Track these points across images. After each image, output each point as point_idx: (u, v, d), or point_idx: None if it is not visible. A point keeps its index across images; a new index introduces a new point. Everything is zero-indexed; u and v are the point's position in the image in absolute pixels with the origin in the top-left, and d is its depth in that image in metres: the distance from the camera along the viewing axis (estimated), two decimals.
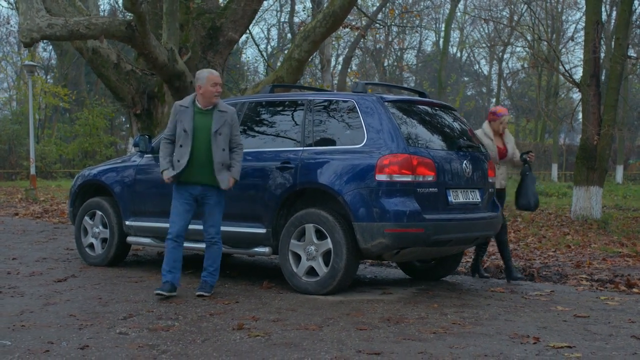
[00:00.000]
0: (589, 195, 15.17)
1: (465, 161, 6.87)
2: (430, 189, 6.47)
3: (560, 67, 21.37)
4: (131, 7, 10.87)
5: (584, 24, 16.99)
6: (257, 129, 7.40)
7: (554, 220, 15.28)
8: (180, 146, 6.38)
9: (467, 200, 6.87)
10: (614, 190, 30.00)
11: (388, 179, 6.28)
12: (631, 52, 41.65)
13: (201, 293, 6.42)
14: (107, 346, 4.68)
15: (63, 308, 5.86)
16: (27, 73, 20.56)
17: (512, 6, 41.71)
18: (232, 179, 6.51)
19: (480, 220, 7.01)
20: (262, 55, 22.07)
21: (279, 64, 42.38)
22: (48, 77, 41.72)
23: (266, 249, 6.92)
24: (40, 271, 7.73)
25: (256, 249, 7.00)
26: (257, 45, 21.97)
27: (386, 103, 6.66)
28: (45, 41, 40.80)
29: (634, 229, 13.77)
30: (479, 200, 7.03)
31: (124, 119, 45.14)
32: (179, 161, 6.38)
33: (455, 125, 7.43)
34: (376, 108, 6.58)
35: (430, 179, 6.46)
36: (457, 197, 6.73)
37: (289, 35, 45.85)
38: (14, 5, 23.84)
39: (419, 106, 7.19)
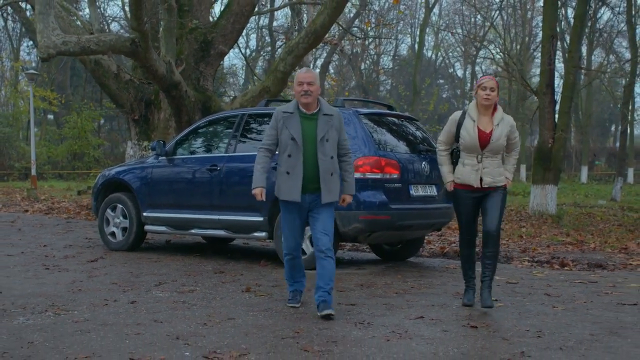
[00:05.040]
0: (544, 193, 16.81)
1: (424, 162, 8.49)
2: (395, 184, 8.08)
3: (524, 75, 23.17)
4: (137, 27, 12.39)
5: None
6: (255, 136, 8.94)
7: (513, 216, 16.91)
8: (289, 156, 5.81)
9: (426, 193, 8.49)
10: (578, 189, 31.77)
11: (362, 176, 7.86)
12: (599, 55, 43.64)
13: (328, 312, 5.64)
14: (150, 302, 6.23)
15: (104, 279, 7.40)
16: (28, 80, 21.95)
17: (485, 11, 43.38)
18: (347, 196, 6.09)
19: (436, 210, 8.65)
20: (249, 66, 23.49)
21: (257, 68, 43.82)
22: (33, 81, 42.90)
23: (263, 234, 8.49)
24: (72, 254, 9.25)
25: (255, 234, 8.56)
26: (245, 58, 23.46)
27: (360, 116, 8.27)
28: (35, 48, 42.14)
29: (584, 223, 15.46)
30: (436, 193, 8.66)
31: (103, 121, 46.44)
32: (288, 173, 5.80)
33: (417, 133, 9.05)
34: (352, 120, 8.17)
35: (395, 176, 8.08)
36: (417, 191, 8.35)
37: (267, 39, 47.39)
38: (22, 23, 25.20)
39: (388, 118, 8.84)
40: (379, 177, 7.92)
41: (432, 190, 8.59)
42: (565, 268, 9.12)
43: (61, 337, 4.89)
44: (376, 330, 5.22)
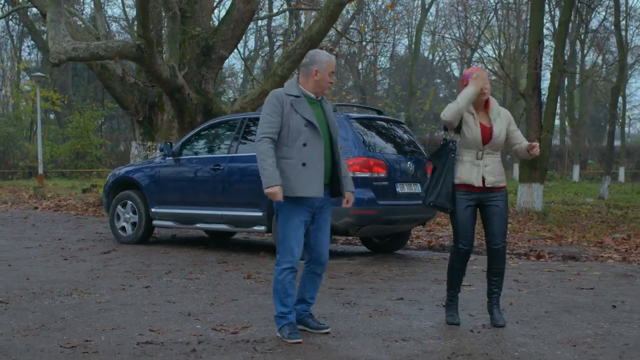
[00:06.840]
0: (531, 191, 17.59)
1: (409, 162, 9.29)
2: (382, 183, 8.88)
3: (517, 76, 23.95)
4: (143, 34, 13.18)
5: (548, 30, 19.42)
6: (254, 138, 9.70)
7: None
8: (304, 145, 4.95)
9: (411, 191, 9.28)
10: (568, 187, 32.53)
11: (352, 175, 8.61)
12: (594, 55, 44.38)
13: (327, 331, 5.20)
14: (162, 287, 7.02)
15: (119, 268, 8.19)
16: (35, 83, 22.76)
17: (480, 14, 44.12)
18: (350, 195, 5.36)
19: (420, 206, 9.39)
20: (247, 68, 24.25)
21: (255, 68, 44.50)
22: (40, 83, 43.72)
23: (262, 228, 9.28)
24: (86, 247, 10.04)
25: (255, 228, 9.35)
26: (244, 60, 24.22)
27: (351, 120, 9.06)
28: (36, 49, 43.00)
29: (568, 219, 16.21)
30: (420, 191, 9.45)
31: (103, 120, 47.26)
32: (304, 164, 4.93)
33: (404, 136, 9.85)
34: (344, 123, 8.96)
35: (382, 175, 8.88)
36: (403, 188, 9.15)
37: (265, 39, 48.22)
38: (25, 24, 26.02)
39: (376, 122, 9.64)
40: (367, 175, 8.71)
41: (416, 188, 9.38)
42: (541, 260, 9.88)
43: (88, 314, 5.68)
44: (361, 308, 6.02)
